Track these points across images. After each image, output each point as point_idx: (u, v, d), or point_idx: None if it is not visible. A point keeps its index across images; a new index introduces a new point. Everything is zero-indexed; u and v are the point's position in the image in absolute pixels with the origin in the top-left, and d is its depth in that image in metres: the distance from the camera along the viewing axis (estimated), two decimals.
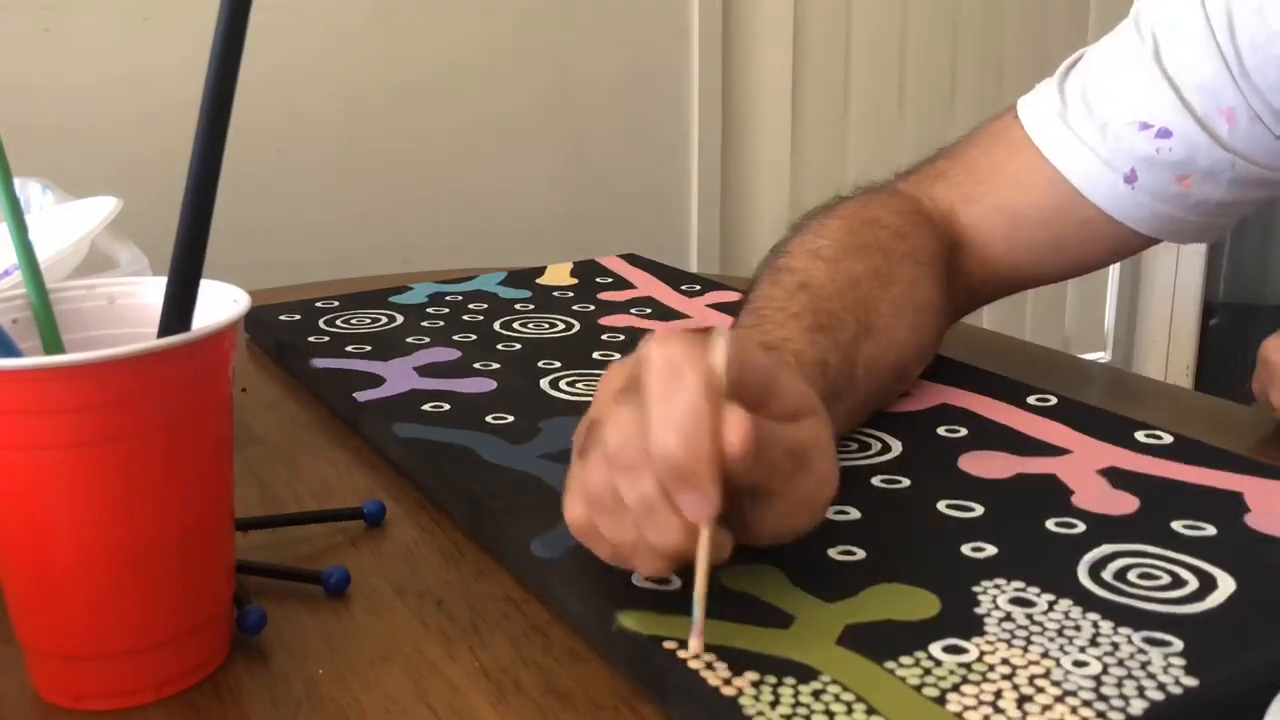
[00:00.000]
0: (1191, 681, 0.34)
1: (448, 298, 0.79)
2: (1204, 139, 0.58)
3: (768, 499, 0.39)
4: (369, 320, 0.73)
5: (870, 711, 0.33)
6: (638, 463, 0.36)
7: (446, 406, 0.57)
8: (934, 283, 0.59)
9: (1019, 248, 0.63)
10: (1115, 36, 0.63)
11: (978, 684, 0.34)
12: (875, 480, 0.48)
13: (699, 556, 0.36)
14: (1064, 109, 0.62)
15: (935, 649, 0.36)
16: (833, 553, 0.42)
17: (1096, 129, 0.60)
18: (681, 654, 0.36)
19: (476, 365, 0.64)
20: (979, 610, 0.38)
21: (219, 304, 0.39)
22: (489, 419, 0.55)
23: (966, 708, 0.33)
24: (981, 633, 0.36)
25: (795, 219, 0.63)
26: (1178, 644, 0.35)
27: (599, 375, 0.62)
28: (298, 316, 0.74)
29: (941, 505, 0.46)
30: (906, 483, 0.48)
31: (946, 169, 0.65)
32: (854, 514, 0.45)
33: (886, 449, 0.52)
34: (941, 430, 0.54)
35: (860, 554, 0.42)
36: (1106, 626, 0.37)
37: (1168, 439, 0.51)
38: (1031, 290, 0.69)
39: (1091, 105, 0.61)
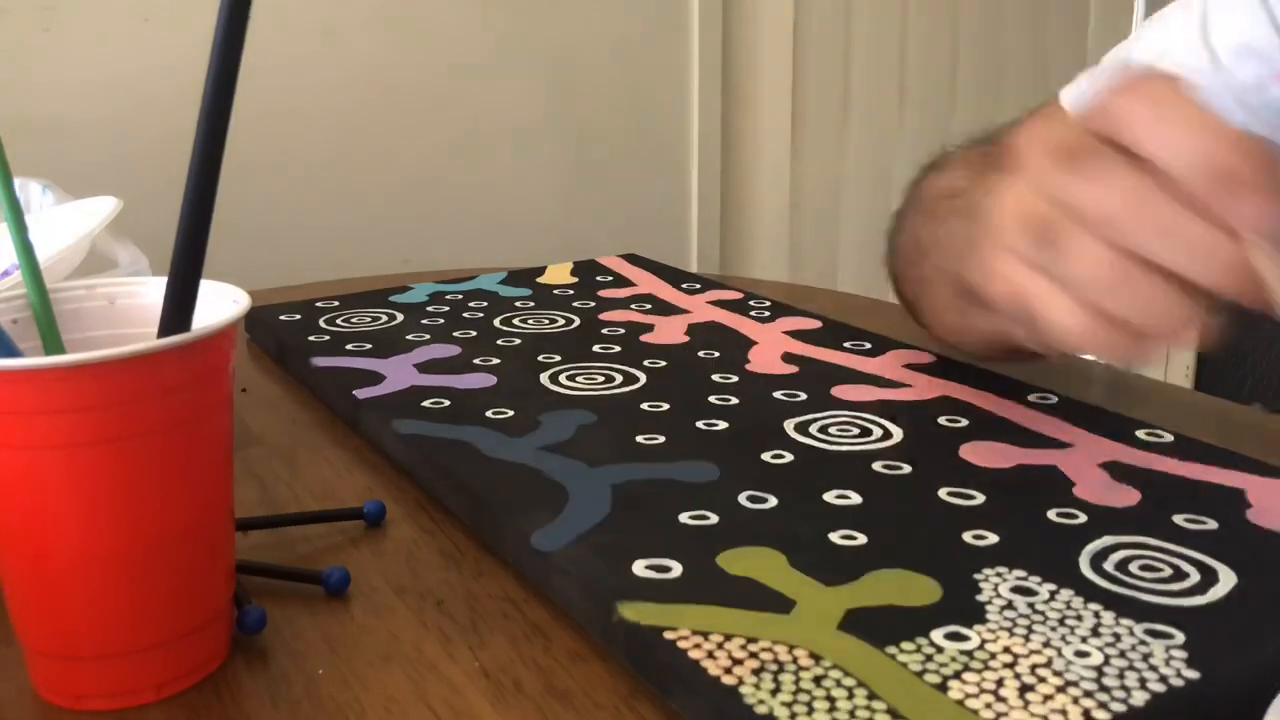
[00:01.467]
0: (1193, 674, 0.34)
1: (448, 297, 0.79)
2: (1239, 115, 0.55)
3: None
4: (369, 319, 0.73)
5: (872, 697, 0.33)
6: (1155, 201, 0.31)
7: (446, 402, 0.57)
8: None
9: None
10: (1162, 17, 0.62)
11: (979, 672, 0.34)
12: (876, 466, 0.48)
13: (1269, 271, 0.31)
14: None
15: (937, 635, 0.36)
16: (834, 537, 0.42)
17: None
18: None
19: (476, 361, 0.64)
20: (980, 598, 0.38)
21: (219, 304, 0.39)
22: (489, 413, 0.55)
23: (968, 695, 0.33)
24: (983, 620, 0.36)
25: (898, 204, 0.63)
26: (1179, 636, 0.35)
27: (599, 368, 0.62)
28: (298, 316, 0.74)
29: (942, 492, 0.46)
30: (907, 469, 0.48)
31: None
32: (855, 498, 0.45)
33: (888, 435, 0.52)
34: (943, 420, 0.54)
35: (862, 539, 0.42)
36: (1108, 617, 0.37)
37: (1169, 437, 0.51)
38: None
39: None
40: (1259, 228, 0.31)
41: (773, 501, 0.45)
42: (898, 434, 0.52)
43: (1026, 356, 0.51)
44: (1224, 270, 0.32)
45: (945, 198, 0.57)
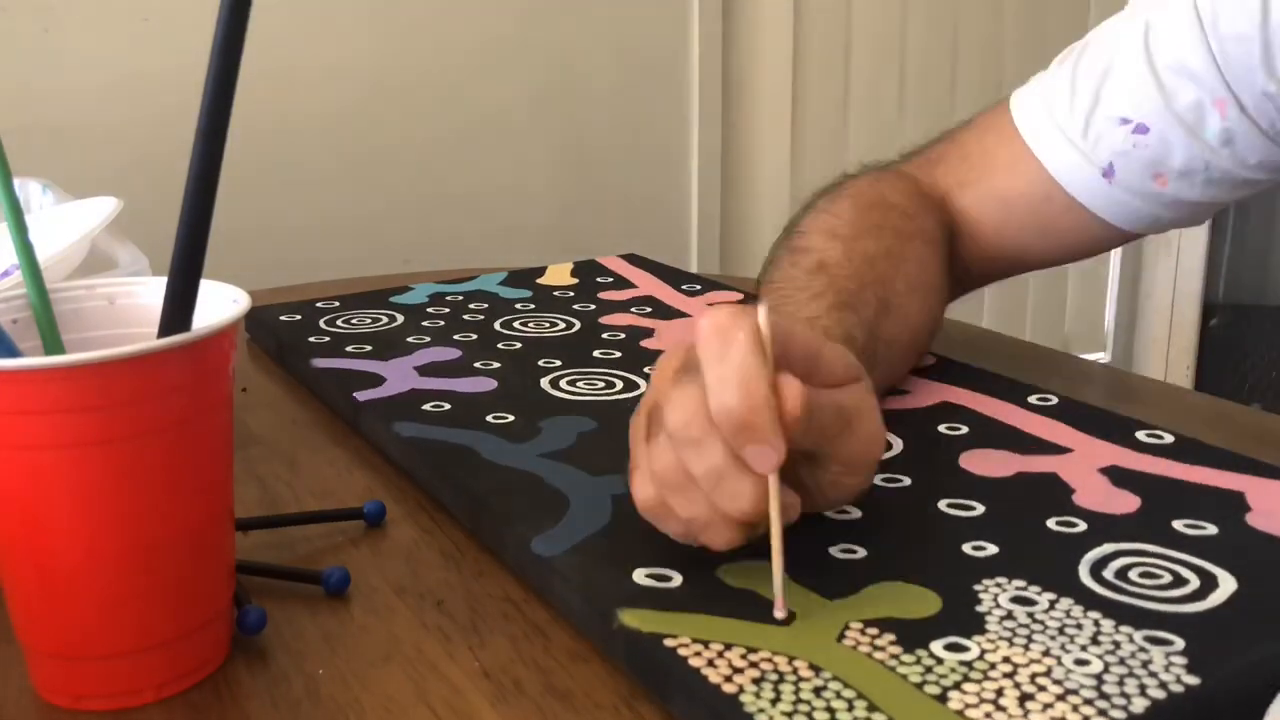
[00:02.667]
0: (1193, 680, 0.34)
1: (448, 298, 0.79)
2: (1180, 138, 0.58)
3: (823, 463, 0.41)
4: (369, 320, 0.73)
5: (871, 708, 0.33)
6: (703, 434, 0.38)
7: (447, 406, 0.57)
8: (940, 263, 0.61)
9: (1007, 234, 0.64)
10: (1111, 25, 0.63)
11: (979, 682, 0.34)
12: (876, 479, 0.48)
13: (772, 513, 0.37)
14: (1052, 101, 0.62)
15: (936, 647, 0.36)
16: (834, 550, 0.42)
17: (1080, 122, 0.61)
18: (777, 614, 0.37)
19: (477, 364, 0.64)
20: (980, 609, 0.38)
21: (219, 304, 0.39)
22: (489, 418, 0.55)
23: (968, 705, 0.33)
24: (983, 631, 0.36)
25: (806, 198, 0.64)
26: (1179, 643, 0.35)
27: (599, 374, 0.62)
28: (298, 316, 0.74)
29: (942, 504, 0.46)
30: (907, 481, 0.48)
31: (944, 153, 0.67)
32: (855, 513, 0.45)
33: (888, 446, 0.52)
34: (942, 428, 0.54)
35: (861, 552, 0.42)
36: (1108, 625, 0.36)
37: (1169, 439, 0.51)
38: (1031, 290, 0.70)
39: (1078, 97, 0.61)
40: (764, 470, 0.37)
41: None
42: (897, 445, 0.52)
43: None
44: (739, 501, 0.38)
45: (788, 244, 0.59)
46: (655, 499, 0.40)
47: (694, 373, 0.39)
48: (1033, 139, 0.62)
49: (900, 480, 0.48)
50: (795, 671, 0.34)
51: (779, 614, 0.37)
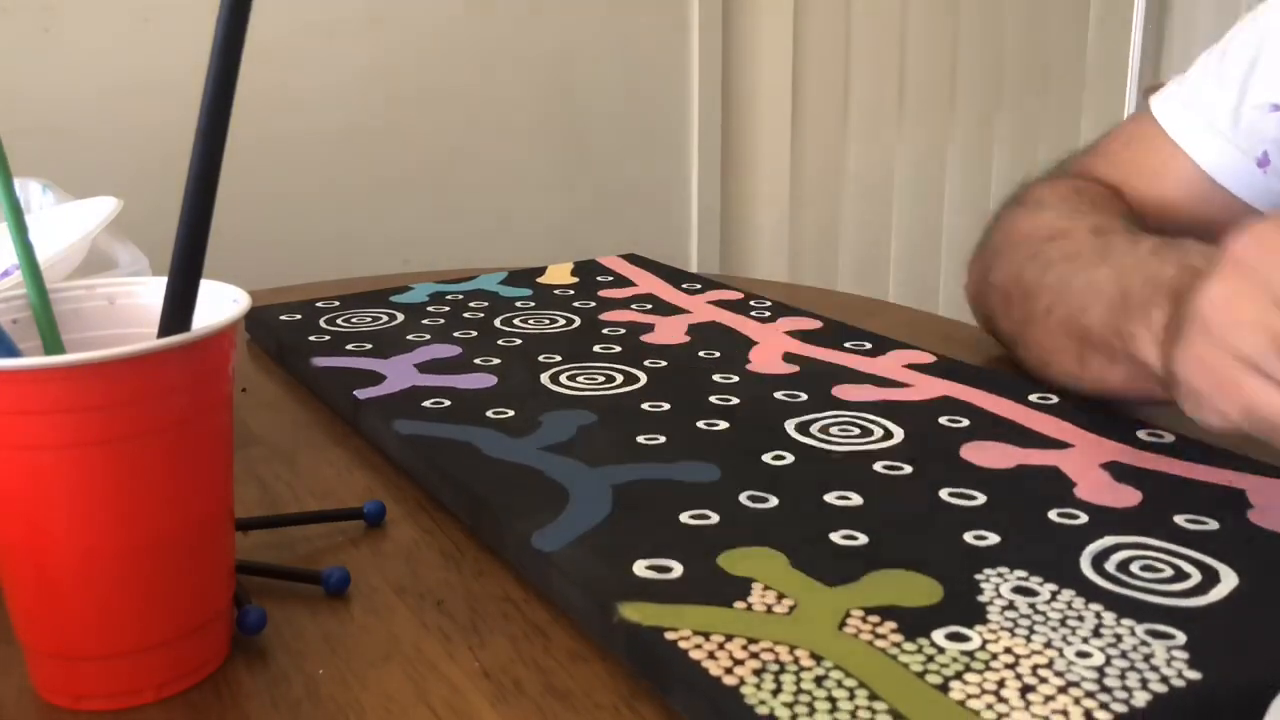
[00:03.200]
0: (1195, 674, 0.34)
1: (448, 297, 0.79)
2: None
3: None
4: (369, 319, 0.73)
5: (873, 698, 0.33)
6: None
7: (447, 402, 0.57)
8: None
9: (1167, 231, 0.63)
10: (1247, 20, 0.62)
11: (980, 672, 0.34)
12: (877, 466, 0.48)
13: None
14: (1197, 99, 0.62)
15: (938, 636, 0.36)
16: (835, 537, 0.42)
17: (1229, 113, 0.60)
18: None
19: (477, 361, 0.64)
20: (981, 598, 0.38)
21: (219, 304, 0.39)
22: (489, 414, 0.55)
23: (969, 696, 0.33)
24: (984, 621, 0.36)
25: (983, 231, 0.65)
26: (1181, 637, 0.35)
27: (600, 368, 0.62)
28: (298, 316, 0.74)
29: (943, 493, 0.46)
30: (908, 470, 0.48)
31: (1092, 165, 0.66)
32: (856, 499, 0.45)
33: (888, 435, 0.52)
34: (943, 420, 0.54)
35: (862, 539, 0.42)
36: (1109, 618, 0.36)
37: (1169, 438, 0.51)
38: None
39: (1225, 91, 0.60)
40: None
41: (774, 501, 0.45)
42: (898, 434, 0.52)
43: (1153, 403, 0.51)
44: None
45: (1047, 239, 0.57)
46: None
47: None
48: (1182, 137, 0.61)
49: (901, 468, 0.48)
50: (796, 661, 0.34)
51: None
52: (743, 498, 0.46)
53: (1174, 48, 2.24)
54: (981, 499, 0.45)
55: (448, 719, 0.36)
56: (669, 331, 0.69)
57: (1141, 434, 0.52)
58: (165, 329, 0.37)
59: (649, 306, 0.76)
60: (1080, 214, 0.57)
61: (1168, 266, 0.47)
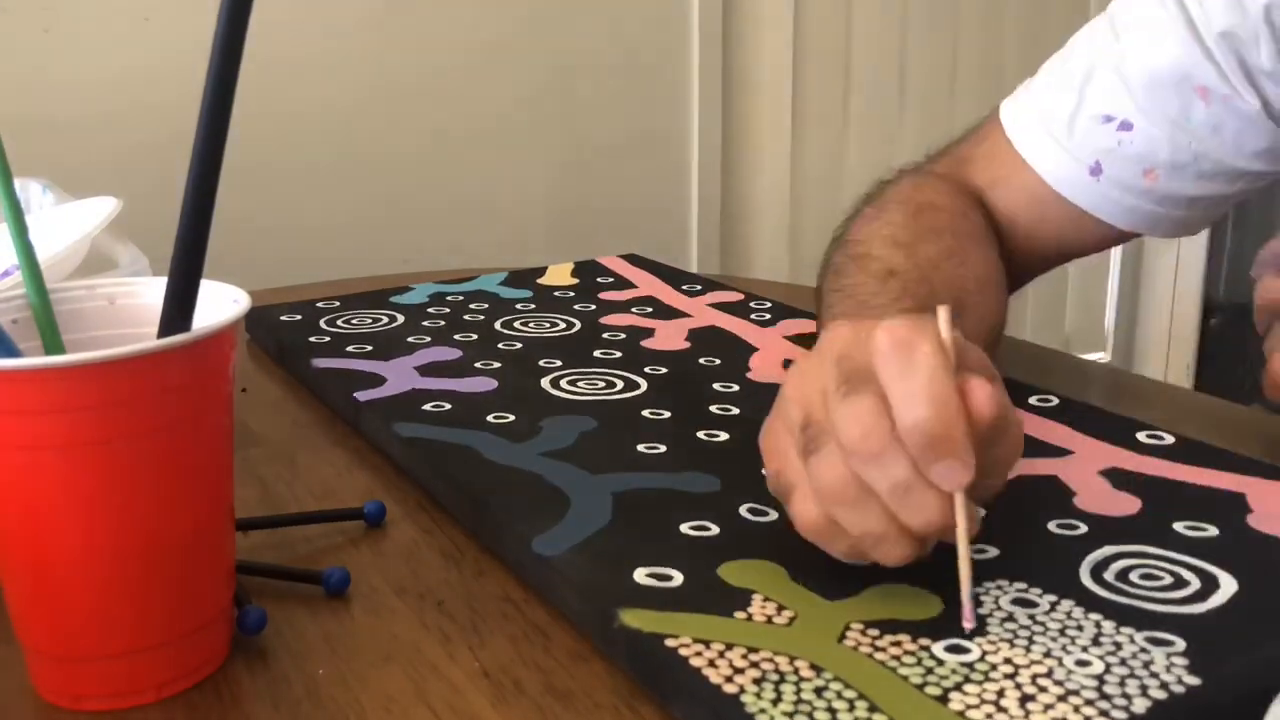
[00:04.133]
0: (1194, 681, 0.34)
1: (448, 298, 0.79)
2: (1164, 132, 0.58)
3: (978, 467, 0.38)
4: (370, 320, 0.73)
5: (873, 709, 0.33)
6: (883, 448, 0.36)
7: (447, 406, 0.57)
8: (998, 258, 0.61)
9: (1036, 233, 0.65)
10: (1091, 27, 0.64)
11: (980, 683, 0.34)
12: None
13: (959, 527, 0.36)
14: (1038, 106, 0.63)
15: (937, 648, 0.36)
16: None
17: (1065, 123, 0.61)
18: (966, 625, 0.36)
19: (477, 364, 0.64)
20: (981, 610, 0.38)
21: (219, 304, 0.39)
22: (490, 418, 0.55)
23: (969, 706, 0.33)
24: (984, 633, 0.36)
25: (852, 205, 0.65)
26: (1180, 644, 0.35)
27: (600, 373, 0.62)
28: (298, 317, 0.74)
29: None
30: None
31: (968, 155, 0.67)
32: None
33: None
34: None
35: None
36: (1109, 626, 0.36)
37: (1169, 439, 0.51)
38: (1031, 290, 0.70)
39: (1063, 98, 0.62)
40: (955, 487, 0.36)
41: (774, 516, 0.45)
42: None
43: None
44: (925, 514, 0.36)
45: (848, 252, 0.60)
46: (822, 517, 0.38)
47: (860, 386, 0.37)
48: (1022, 144, 0.63)
49: None
50: (796, 672, 0.34)
51: (968, 625, 0.36)
52: (743, 510, 0.45)
53: None
54: (981, 511, 0.45)
55: (448, 719, 0.36)
56: (669, 336, 0.69)
57: (1141, 436, 0.52)
58: (165, 329, 0.37)
59: (649, 310, 0.75)
60: (895, 245, 0.58)
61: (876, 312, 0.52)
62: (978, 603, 0.38)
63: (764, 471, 0.42)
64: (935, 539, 0.37)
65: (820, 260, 0.65)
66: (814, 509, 0.38)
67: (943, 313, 0.37)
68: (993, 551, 0.42)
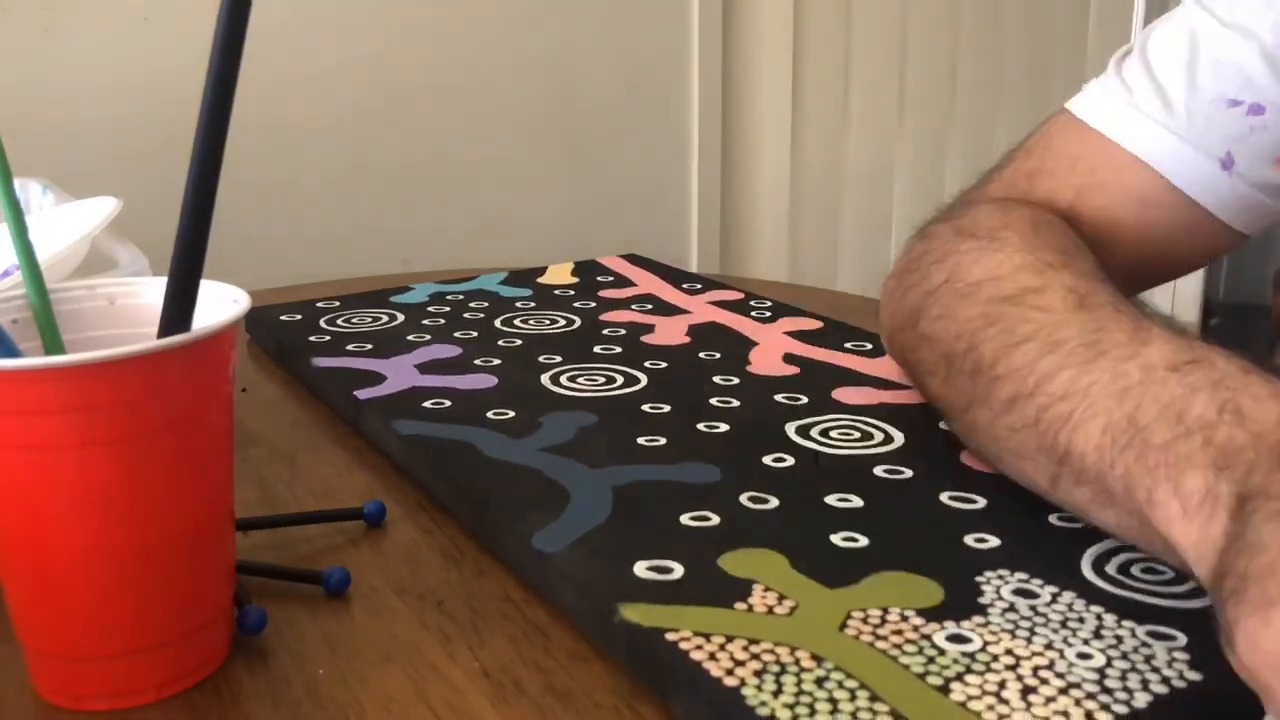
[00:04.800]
0: (1196, 676, 0.34)
1: (448, 297, 0.79)
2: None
3: None
4: (370, 319, 0.73)
5: (874, 699, 0.33)
6: None
7: (447, 403, 0.57)
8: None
9: (1115, 250, 0.55)
10: (1174, 17, 0.56)
11: (981, 674, 0.34)
12: (877, 470, 0.48)
13: None
14: (1136, 94, 0.55)
15: (939, 638, 0.36)
16: (835, 539, 0.42)
17: (1183, 111, 0.53)
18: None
19: (477, 361, 0.64)
20: (982, 600, 0.38)
21: (219, 304, 0.39)
22: (490, 414, 0.55)
23: (970, 697, 0.33)
24: (985, 623, 0.36)
25: (889, 279, 0.55)
26: (1182, 638, 0.35)
27: (600, 369, 0.62)
28: (298, 317, 0.74)
29: (944, 496, 0.46)
30: (909, 473, 0.48)
31: (1034, 168, 0.58)
32: (856, 501, 0.45)
33: (889, 439, 0.52)
34: (942, 423, 0.54)
35: (863, 541, 0.42)
36: (1110, 619, 0.36)
37: None
38: None
39: (1170, 87, 0.54)
40: None
41: (774, 503, 0.45)
42: (899, 438, 0.52)
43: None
44: None
45: (1011, 299, 0.45)
46: None
47: None
48: (1128, 139, 0.54)
49: (901, 472, 0.48)
50: (797, 663, 0.34)
51: None
52: (743, 499, 0.46)
53: None
54: (982, 502, 0.45)
55: (448, 719, 0.36)
56: (669, 332, 0.69)
57: None
58: (165, 329, 0.37)
59: (649, 307, 0.76)
60: (1050, 267, 0.46)
61: (1197, 398, 0.36)
62: (979, 592, 0.38)
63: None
64: None
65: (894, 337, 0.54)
66: None
67: None
68: (993, 541, 0.42)
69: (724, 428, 0.53)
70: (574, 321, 0.72)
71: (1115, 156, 0.55)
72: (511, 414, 0.55)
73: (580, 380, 0.61)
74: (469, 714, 0.36)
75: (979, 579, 0.39)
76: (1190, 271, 0.59)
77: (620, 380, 0.61)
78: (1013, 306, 0.45)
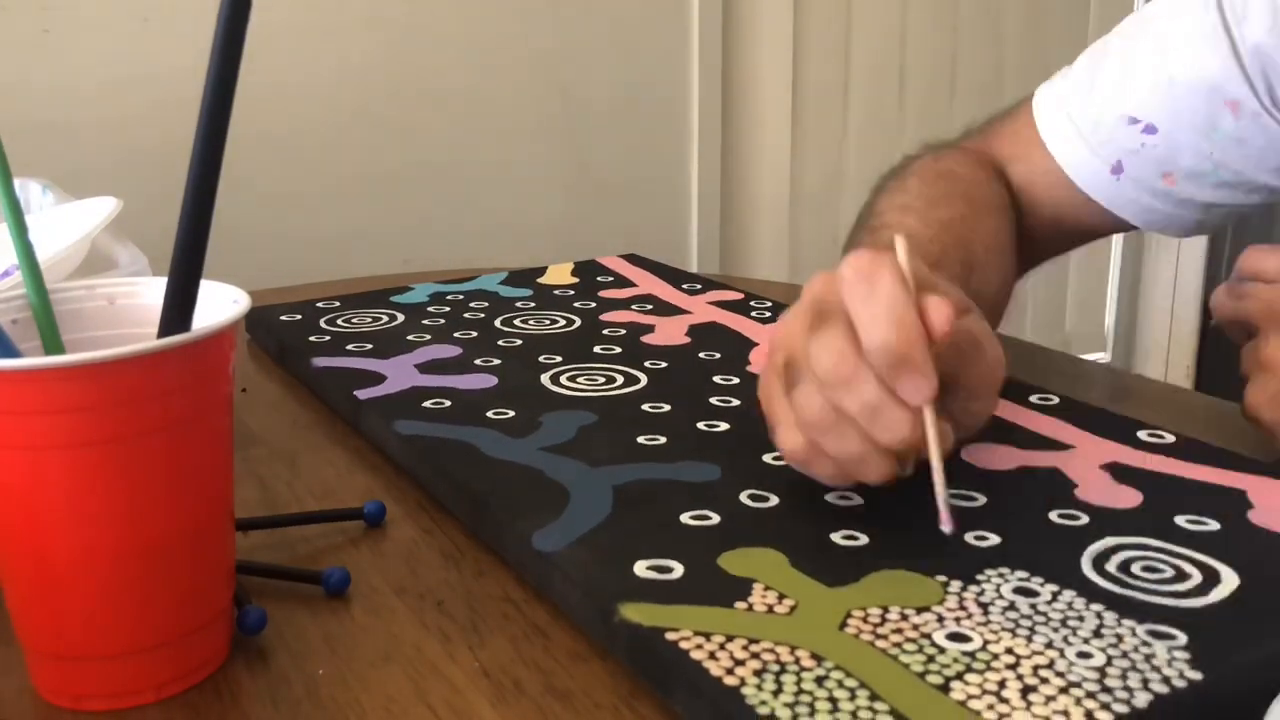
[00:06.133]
0: (1196, 675, 0.33)
1: (449, 297, 0.79)
2: (1187, 140, 0.59)
3: (953, 391, 0.43)
4: (370, 319, 0.73)
5: (874, 698, 0.33)
6: (854, 372, 0.39)
7: (447, 403, 0.57)
8: (1010, 228, 0.63)
9: (1037, 214, 0.66)
10: (1131, 22, 0.65)
11: (981, 673, 0.34)
12: None
13: (930, 439, 0.40)
14: (1070, 98, 0.64)
15: (939, 637, 0.36)
16: (835, 537, 0.42)
17: (1093, 119, 0.63)
18: (944, 527, 0.40)
19: (477, 361, 0.64)
20: (983, 599, 0.38)
21: (219, 304, 0.39)
22: (490, 414, 0.55)
23: (970, 696, 0.33)
24: (985, 622, 0.36)
25: (877, 179, 0.68)
26: (1182, 637, 0.35)
27: (600, 369, 0.62)
28: (298, 317, 0.74)
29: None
30: (909, 470, 0.48)
31: (995, 131, 0.69)
32: (856, 499, 0.45)
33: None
34: None
35: (863, 539, 0.42)
36: (1110, 618, 0.36)
37: (1170, 438, 0.51)
38: (1031, 290, 0.71)
39: (1094, 95, 0.63)
40: (920, 400, 0.39)
41: (774, 501, 0.45)
42: None
43: None
44: (896, 430, 0.39)
45: (871, 229, 0.61)
46: (805, 444, 0.41)
47: (829, 319, 0.40)
48: (1049, 135, 0.64)
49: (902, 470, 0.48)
50: (797, 662, 0.34)
51: (946, 528, 0.40)
52: (743, 497, 0.46)
53: None
54: (982, 500, 0.45)
55: (448, 719, 0.36)
56: (669, 332, 0.69)
57: (1142, 434, 0.52)
58: (165, 329, 0.37)
59: (649, 307, 0.76)
60: (929, 200, 0.60)
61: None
62: (979, 590, 0.38)
63: (756, 414, 0.46)
64: (913, 456, 0.41)
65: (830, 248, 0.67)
66: (798, 438, 0.42)
67: (899, 241, 0.40)
68: (994, 539, 0.42)
69: (724, 426, 0.53)
70: (574, 321, 0.72)
71: (1036, 139, 0.66)
72: (511, 414, 0.55)
73: (580, 380, 0.61)
74: (469, 714, 0.36)
75: (979, 577, 0.39)
76: (1088, 241, 0.69)
77: (620, 380, 0.61)
78: (867, 234, 0.60)
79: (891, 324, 0.38)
